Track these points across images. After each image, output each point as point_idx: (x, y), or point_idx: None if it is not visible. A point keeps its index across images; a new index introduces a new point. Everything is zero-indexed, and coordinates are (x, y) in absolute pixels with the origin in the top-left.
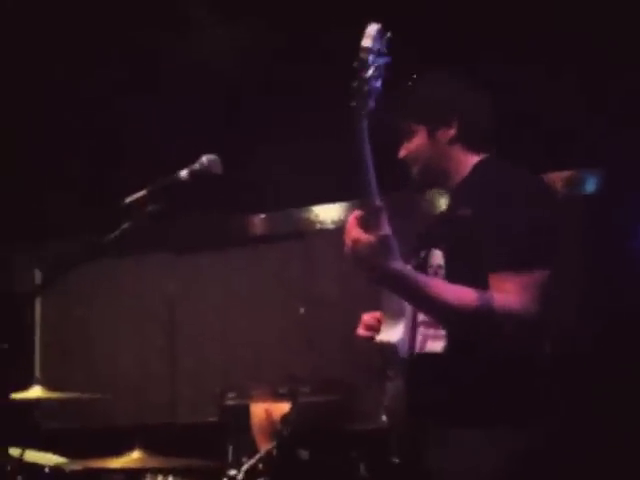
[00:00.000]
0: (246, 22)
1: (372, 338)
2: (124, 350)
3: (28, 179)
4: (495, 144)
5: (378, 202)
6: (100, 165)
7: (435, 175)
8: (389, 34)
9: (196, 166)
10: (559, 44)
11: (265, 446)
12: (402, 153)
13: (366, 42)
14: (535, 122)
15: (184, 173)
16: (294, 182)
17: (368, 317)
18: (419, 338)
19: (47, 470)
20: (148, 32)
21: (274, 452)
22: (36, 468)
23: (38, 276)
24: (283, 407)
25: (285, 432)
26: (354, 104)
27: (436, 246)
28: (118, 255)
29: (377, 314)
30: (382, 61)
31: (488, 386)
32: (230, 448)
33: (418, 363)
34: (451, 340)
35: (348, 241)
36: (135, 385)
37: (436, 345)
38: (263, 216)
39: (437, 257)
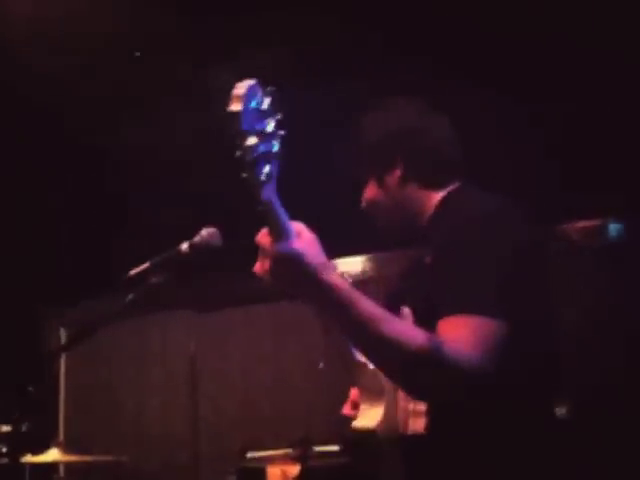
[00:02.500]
0: None
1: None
2: (147, 409)
3: (56, 245)
4: (462, 171)
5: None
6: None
7: (399, 223)
8: (269, 87)
9: (196, 239)
10: (576, 86)
11: None
12: (362, 205)
13: (235, 106)
14: (552, 172)
15: (185, 246)
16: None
17: (356, 392)
18: (400, 415)
19: None
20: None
21: None
22: None
23: (63, 335)
24: (297, 469)
25: None
26: (245, 175)
27: (404, 303)
28: (140, 314)
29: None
30: (268, 120)
31: (484, 469)
32: None
33: (404, 448)
34: (432, 417)
35: (264, 260)
36: (158, 445)
37: (418, 423)
38: None
39: (406, 317)
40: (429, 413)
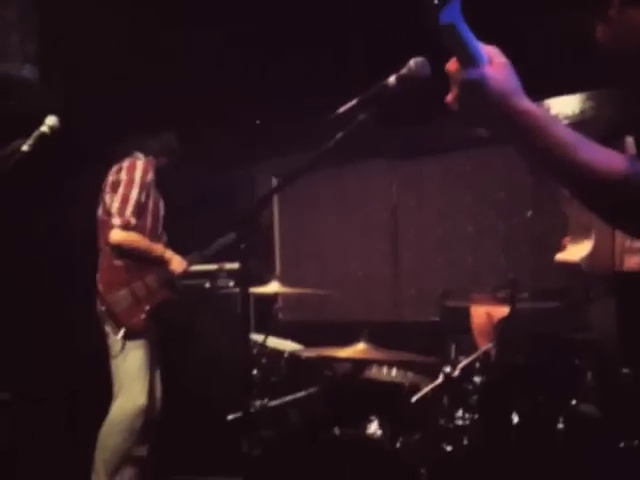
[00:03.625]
0: None
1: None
2: (351, 252)
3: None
4: None
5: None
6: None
7: (632, 53)
8: None
9: (404, 71)
10: None
11: (484, 346)
12: (598, 50)
13: None
14: None
15: (392, 79)
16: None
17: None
18: (616, 252)
19: (286, 355)
20: None
21: (492, 353)
22: (277, 352)
23: (275, 184)
24: (503, 310)
25: (503, 335)
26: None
27: (627, 134)
28: (341, 163)
29: None
30: None
31: None
32: (452, 347)
33: (618, 283)
34: None
35: (454, 89)
36: (361, 285)
37: (633, 260)
38: None
39: (628, 147)
40: None
